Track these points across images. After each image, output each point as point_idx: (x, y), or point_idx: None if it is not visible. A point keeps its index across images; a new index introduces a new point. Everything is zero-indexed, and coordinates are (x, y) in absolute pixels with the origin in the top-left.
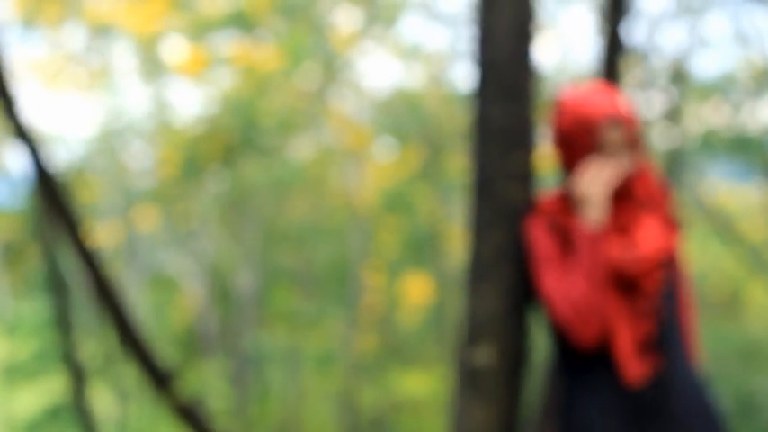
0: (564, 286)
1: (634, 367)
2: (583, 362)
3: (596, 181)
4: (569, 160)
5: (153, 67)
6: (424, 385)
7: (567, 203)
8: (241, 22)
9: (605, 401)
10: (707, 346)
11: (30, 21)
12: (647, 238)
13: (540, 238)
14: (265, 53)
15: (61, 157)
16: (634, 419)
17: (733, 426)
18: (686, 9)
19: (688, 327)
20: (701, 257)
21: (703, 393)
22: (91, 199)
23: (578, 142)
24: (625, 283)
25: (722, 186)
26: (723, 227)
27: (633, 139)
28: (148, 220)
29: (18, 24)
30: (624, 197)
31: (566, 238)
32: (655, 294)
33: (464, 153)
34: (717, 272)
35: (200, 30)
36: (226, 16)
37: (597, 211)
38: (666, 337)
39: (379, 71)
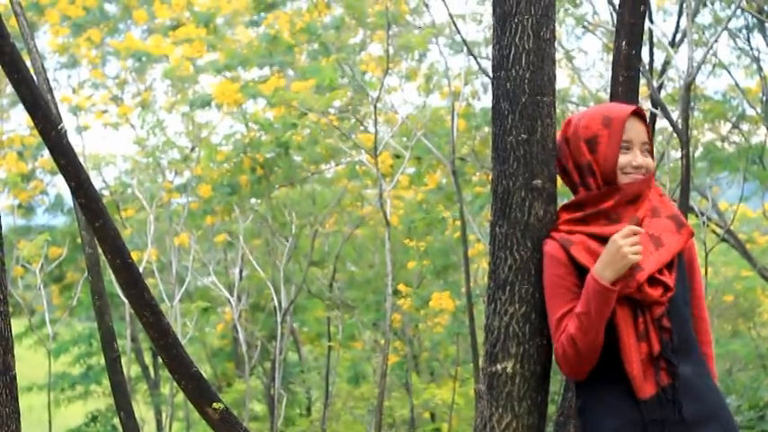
0: (563, 322)
1: (645, 382)
2: (596, 374)
3: (628, 250)
4: (593, 156)
5: (190, 96)
6: (450, 396)
7: (580, 215)
8: (274, 53)
9: (619, 412)
10: (722, 353)
11: (70, 53)
12: (651, 250)
13: (550, 262)
14: (298, 82)
15: (103, 177)
16: (648, 428)
17: (747, 431)
18: (698, 31)
19: (703, 332)
20: (716, 266)
21: (717, 399)
22: (131, 217)
23: (603, 137)
24: (634, 300)
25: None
26: (734, 239)
27: (649, 142)
28: (186, 239)
29: (60, 57)
30: (642, 199)
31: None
32: (664, 305)
33: (486, 171)
34: (732, 280)
35: (235, 60)
36: (260, 48)
37: (614, 274)
38: (681, 345)
39: (405, 94)
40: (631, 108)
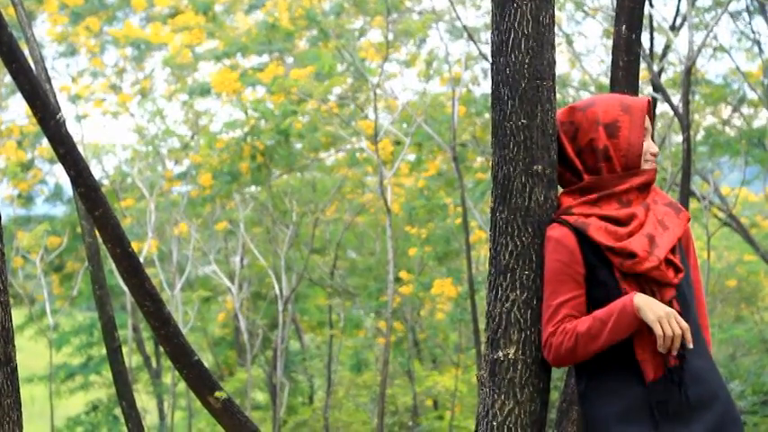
0: (561, 310)
1: (653, 364)
2: (600, 358)
3: (672, 322)
4: (611, 141)
5: (189, 84)
6: (453, 382)
7: (594, 197)
8: (273, 39)
9: (623, 396)
10: (726, 338)
11: (69, 41)
12: (660, 230)
13: (555, 247)
14: (297, 70)
15: (102, 166)
16: (651, 411)
17: (751, 416)
18: (698, 14)
19: (701, 316)
20: (718, 251)
21: (718, 380)
22: (131, 206)
23: (624, 122)
24: (643, 280)
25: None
26: (737, 223)
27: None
28: (187, 227)
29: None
30: (650, 186)
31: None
32: (674, 287)
33: (487, 157)
34: (734, 265)
35: (234, 49)
36: (259, 35)
37: (645, 316)
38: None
39: (405, 80)
40: (648, 98)
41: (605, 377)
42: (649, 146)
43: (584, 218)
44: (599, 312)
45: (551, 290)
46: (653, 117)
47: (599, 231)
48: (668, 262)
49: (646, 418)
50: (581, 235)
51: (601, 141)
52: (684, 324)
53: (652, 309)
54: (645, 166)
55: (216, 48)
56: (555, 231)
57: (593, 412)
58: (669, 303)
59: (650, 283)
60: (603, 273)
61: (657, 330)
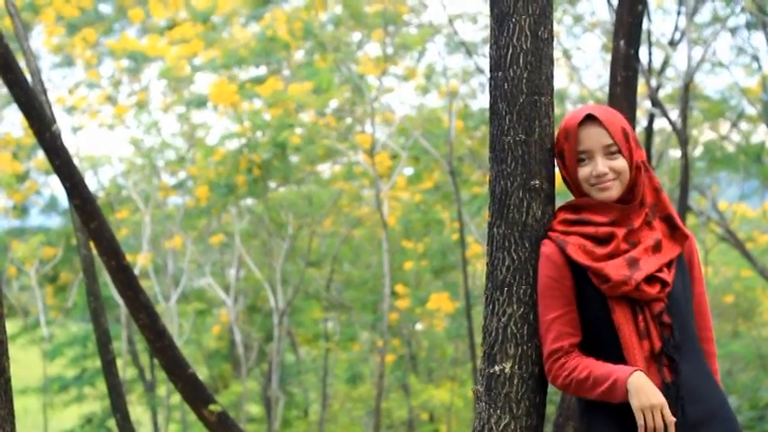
0: (554, 325)
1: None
2: None
3: (656, 415)
4: (565, 170)
5: (186, 96)
6: (448, 396)
7: (576, 217)
8: (271, 52)
9: (623, 410)
10: (723, 353)
11: (65, 53)
12: (649, 254)
13: (545, 263)
14: (295, 84)
15: (98, 178)
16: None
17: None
18: (696, 30)
19: (705, 329)
20: (716, 266)
21: (718, 398)
22: (126, 218)
23: (566, 151)
24: (632, 298)
25: (734, 205)
26: (734, 239)
27: (615, 142)
28: (182, 239)
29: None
30: (634, 202)
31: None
32: (663, 301)
33: (484, 172)
34: (732, 280)
35: (231, 61)
36: (257, 47)
37: (632, 398)
38: (682, 342)
39: (402, 94)
40: (580, 116)
41: None
42: (592, 168)
43: (564, 236)
44: (598, 369)
45: (544, 305)
46: (613, 127)
47: (577, 251)
48: (652, 278)
49: None
50: (564, 251)
51: (560, 170)
52: (671, 419)
53: (641, 396)
54: (593, 192)
55: (213, 59)
56: (546, 248)
57: (594, 428)
58: (659, 316)
59: (637, 300)
60: (590, 288)
61: (639, 420)
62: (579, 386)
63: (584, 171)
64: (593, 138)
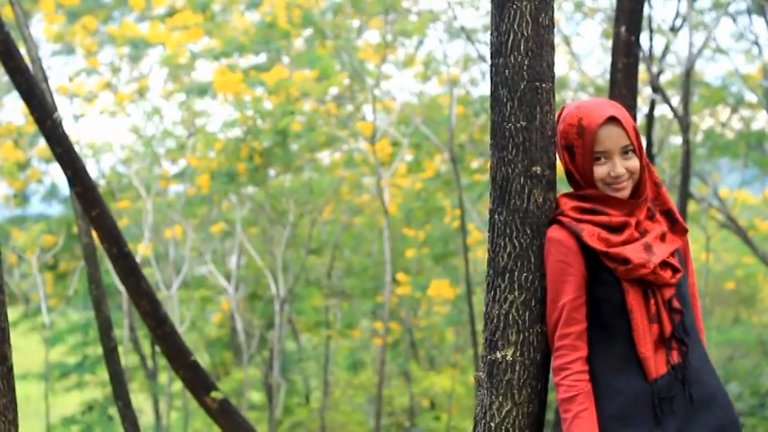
0: (565, 310)
1: (657, 362)
2: (602, 357)
3: None
4: (573, 165)
5: (187, 83)
6: (450, 383)
7: (588, 206)
8: (271, 39)
9: (626, 394)
10: (724, 340)
11: (66, 41)
12: (659, 242)
13: (557, 248)
14: (296, 70)
15: (100, 165)
16: (654, 410)
17: (749, 418)
18: (697, 15)
19: (697, 319)
20: (717, 253)
21: (716, 383)
22: (128, 206)
23: (578, 148)
24: (645, 283)
25: (735, 192)
26: (735, 225)
27: (632, 142)
28: (184, 227)
29: (56, 45)
30: (642, 198)
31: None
32: (674, 286)
33: (485, 159)
34: (733, 267)
35: (231, 48)
36: (257, 35)
37: None
38: (687, 327)
39: (403, 81)
40: (603, 117)
41: (608, 377)
42: (610, 168)
43: (576, 222)
44: (584, 419)
45: (556, 289)
46: (630, 126)
47: (592, 237)
48: (665, 264)
49: (648, 418)
50: (578, 237)
51: (564, 163)
52: None
53: None
54: (608, 190)
55: (213, 47)
56: (556, 233)
57: (596, 411)
58: (669, 301)
59: (650, 284)
60: (605, 273)
61: None
62: (562, 402)
63: (601, 170)
64: (612, 139)
